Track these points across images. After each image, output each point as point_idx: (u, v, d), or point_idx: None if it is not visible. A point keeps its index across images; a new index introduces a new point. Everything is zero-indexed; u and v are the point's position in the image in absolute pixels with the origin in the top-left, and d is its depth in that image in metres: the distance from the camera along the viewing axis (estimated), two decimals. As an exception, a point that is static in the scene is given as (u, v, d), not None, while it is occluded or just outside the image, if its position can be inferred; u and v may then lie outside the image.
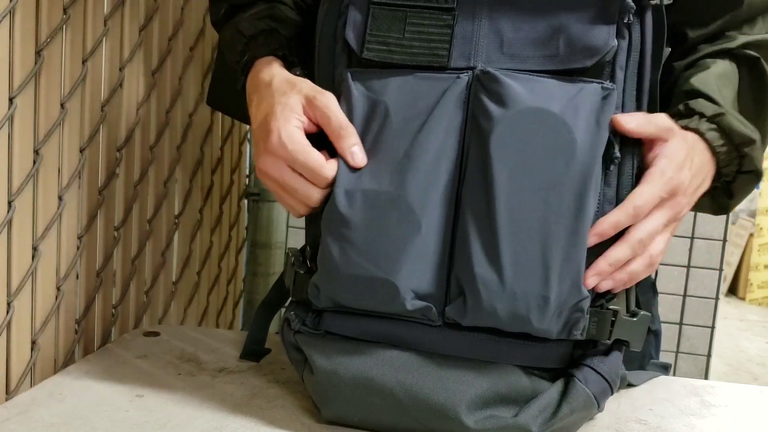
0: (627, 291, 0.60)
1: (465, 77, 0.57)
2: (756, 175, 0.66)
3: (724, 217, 1.43)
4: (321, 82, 0.63)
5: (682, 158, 0.59)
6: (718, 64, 0.67)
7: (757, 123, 0.65)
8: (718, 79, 0.65)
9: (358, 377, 0.57)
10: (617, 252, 0.56)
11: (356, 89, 0.59)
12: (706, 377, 1.53)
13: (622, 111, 0.58)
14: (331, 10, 0.62)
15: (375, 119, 0.58)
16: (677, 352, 1.54)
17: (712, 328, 1.46)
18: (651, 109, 0.60)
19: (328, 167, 0.57)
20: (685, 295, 1.46)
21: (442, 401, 0.55)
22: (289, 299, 0.65)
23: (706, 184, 0.63)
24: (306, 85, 0.61)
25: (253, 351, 0.74)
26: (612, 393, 0.58)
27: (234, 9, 0.74)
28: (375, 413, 0.57)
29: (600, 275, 0.56)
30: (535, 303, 0.53)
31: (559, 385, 0.57)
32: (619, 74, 0.57)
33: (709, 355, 1.47)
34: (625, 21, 0.57)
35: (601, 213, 0.57)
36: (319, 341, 0.60)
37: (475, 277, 0.54)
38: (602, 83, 0.56)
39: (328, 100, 0.59)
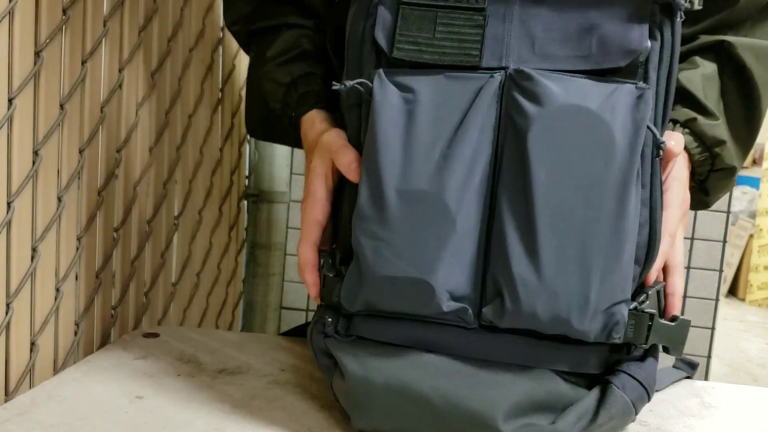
0: (657, 294, 0.60)
1: (498, 76, 0.56)
2: (730, 171, 0.70)
3: (723, 218, 1.43)
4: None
5: (686, 177, 0.65)
6: (706, 65, 0.70)
7: (750, 124, 0.70)
8: (704, 80, 0.69)
9: (392, 383, 0.55)
10: (675, 282, 0.62)
11: (388, 88, 0.57)
12: (706, 378, 1.52)
13: (653, 111, 0.57)
14: (359, 11, 0.61)
15: (407, 117, 0.56)
16: (677, 353, 1.54)
17: (712, 329, 1.46)
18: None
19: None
20: (685, 297, 1.45)
21: (480, 408, 0.53)
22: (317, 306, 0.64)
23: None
24: (326, 141, 0.63)
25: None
26: (649, 399, 0.58)
27: (253, 35, 0.76)
28: (409, 422, 0.55)
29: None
30: (575, 302, 0.52)
31: (595, 392, 0.56)
32: (653, 75, 0.56)
33: (709, 356, 1.47)
34: (656, 21, 0.56)
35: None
36: (351, 346, 0.58)
37: (513, 276, 0.52)
38: (635, 83, 0.55)
39: (338, 148, 0.61)
